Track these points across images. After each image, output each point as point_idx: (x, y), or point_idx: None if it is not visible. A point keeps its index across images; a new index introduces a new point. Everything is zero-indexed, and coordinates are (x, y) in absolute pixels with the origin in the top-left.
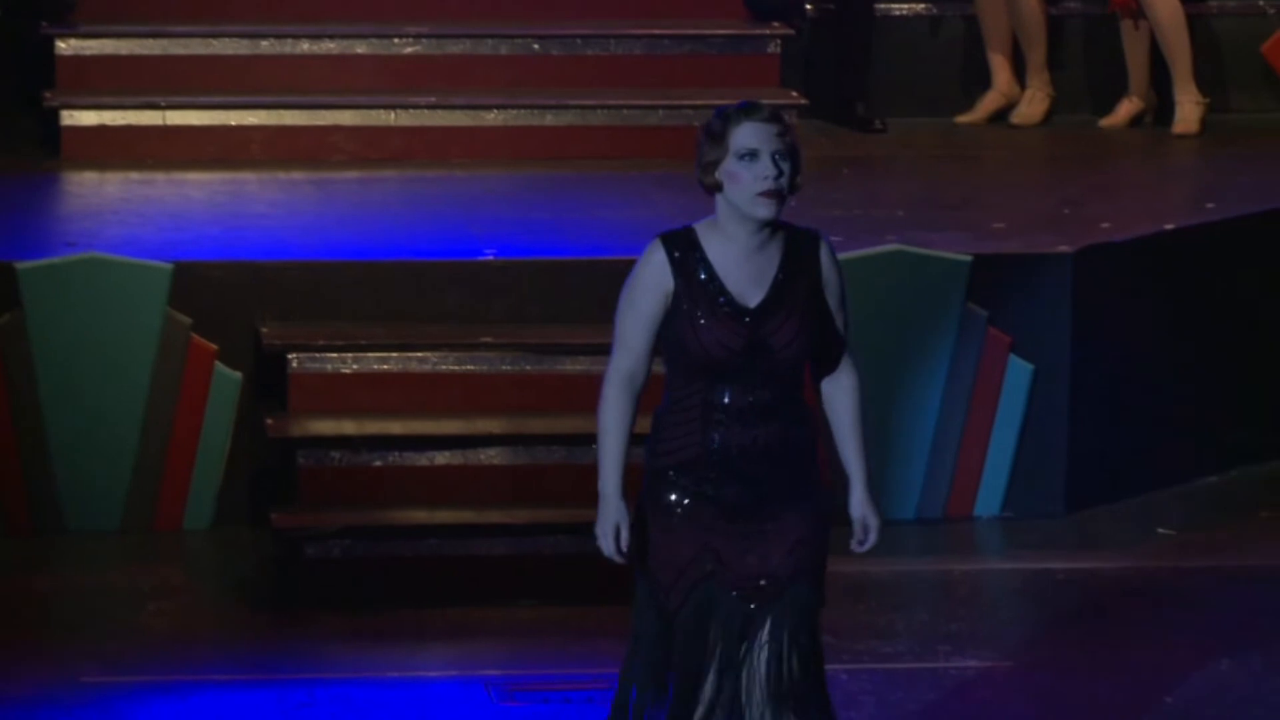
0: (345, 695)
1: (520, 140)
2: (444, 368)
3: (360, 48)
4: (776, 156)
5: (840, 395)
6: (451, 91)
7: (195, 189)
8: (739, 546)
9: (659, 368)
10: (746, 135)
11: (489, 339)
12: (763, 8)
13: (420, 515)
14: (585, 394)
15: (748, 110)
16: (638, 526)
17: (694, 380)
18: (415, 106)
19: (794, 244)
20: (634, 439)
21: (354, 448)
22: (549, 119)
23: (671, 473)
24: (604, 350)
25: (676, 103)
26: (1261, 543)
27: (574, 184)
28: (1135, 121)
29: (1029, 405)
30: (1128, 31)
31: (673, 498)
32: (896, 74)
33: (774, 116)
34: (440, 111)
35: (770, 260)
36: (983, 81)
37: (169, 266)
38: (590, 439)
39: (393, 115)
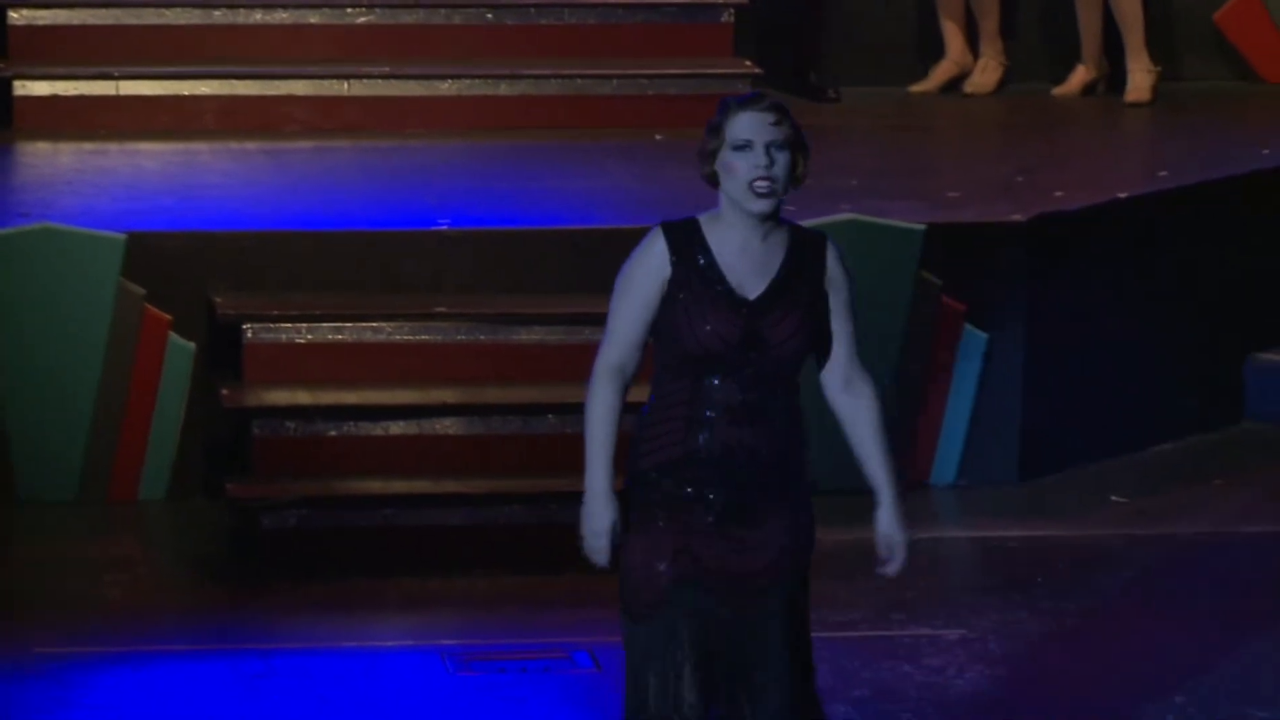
0: (301, 665)
1: (474, 110)
2: (399, 338)
3: (313, 17)
4: (771, 147)
5: (860, 410)
6: (405, 61)
7: (148, 159)
8: (719, 550)
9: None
10: (741, 125)
11: (444, 309)
12: None
13: (376, 485)
14: (540, 364)
15: (746, 101)
16: (618, 533)
17: (682, 377)
18: (369, 77)
19: (799, 244)
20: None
21: (309, 418)
22: (503, 89)
23: (654, 474)
24: (560, 320)
25: (630, 72)
26: (1214, 510)
27: (528, 154)
28: (1088, 90)
29: (983, 373)
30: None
31: (653, 498)
32: (850, 43)
33: (773, 107)
34: (394, 81)
35: (773, 255)
36: (936, 50)
37: (122, 237)
38: (546, 409)
39: (346, 85)
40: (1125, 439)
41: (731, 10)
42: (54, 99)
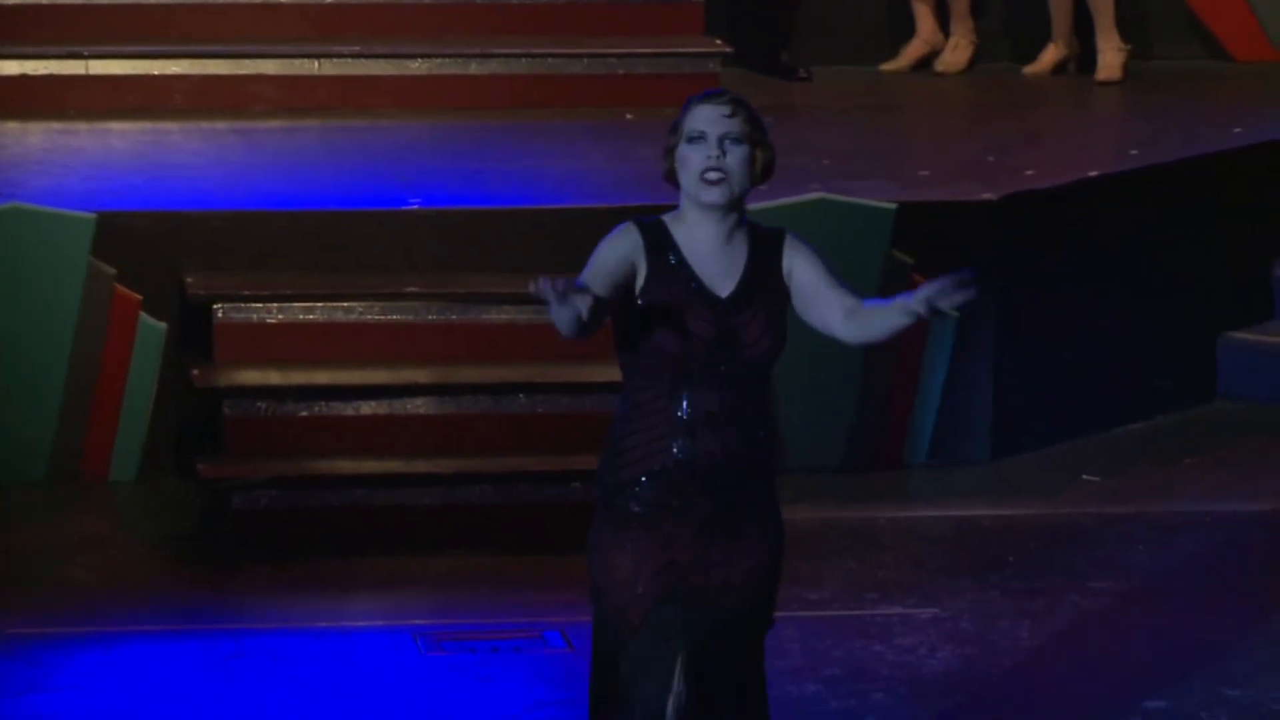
0: (273, 645)
1: (444, 89)
2: (370, 317)
3: None
4: (726, 140)
5: (865, 311)
6: (375, 40)
7: (118, 139)
8: (701, 561)
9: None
10: (696, 118)
11: (415, 288)
12: None
13: (347, 465)
14: (511, 343)
15: (705, 95)
16: (591, 547)
17: (655, 383)
18: (339, 56)
19: (758, 241)
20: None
21: (280, 398)
22: (473, 68)
23: (634, 485)
24: (531, 300)
25: (600, 51)
26: (1184, 489)
27: (499, 133)
28: (1059, 69)
29: (955, 352)
30: None
31: (635, 510)
32: (821, 22)
33: (729, 101)
34: (364, 60)
35: (738, 253)
36: (907, 29)
37: (92, 217)
38: (517, 388)
39: (316, 64)
40: (1097, 418)
41: None
42: (23, 78)
